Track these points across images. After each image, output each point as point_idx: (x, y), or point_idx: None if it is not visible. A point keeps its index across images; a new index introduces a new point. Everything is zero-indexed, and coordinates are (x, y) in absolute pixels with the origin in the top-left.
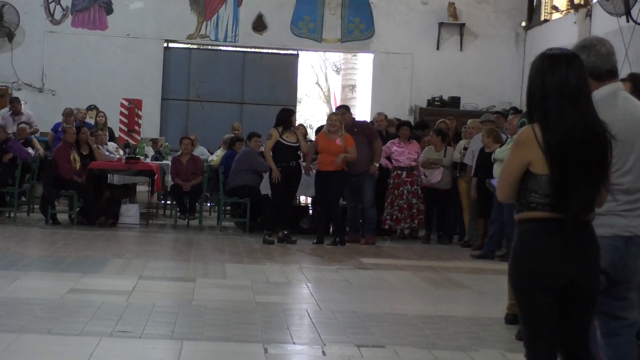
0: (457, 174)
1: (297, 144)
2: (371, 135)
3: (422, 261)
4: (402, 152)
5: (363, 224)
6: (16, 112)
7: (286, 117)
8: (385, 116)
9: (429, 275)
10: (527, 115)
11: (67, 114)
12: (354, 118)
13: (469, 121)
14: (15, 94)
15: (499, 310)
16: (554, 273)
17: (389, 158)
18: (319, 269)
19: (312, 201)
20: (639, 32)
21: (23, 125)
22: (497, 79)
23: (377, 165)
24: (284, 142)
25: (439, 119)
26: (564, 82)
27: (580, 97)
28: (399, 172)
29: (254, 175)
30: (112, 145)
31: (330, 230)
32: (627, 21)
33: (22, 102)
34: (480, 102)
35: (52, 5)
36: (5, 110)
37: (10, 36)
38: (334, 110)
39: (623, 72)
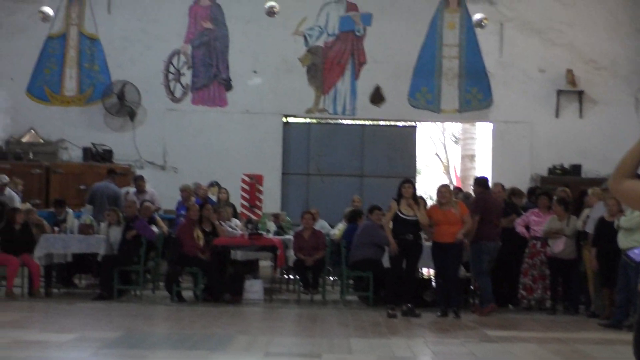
0: (582, 243)
1: (415, 217)
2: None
3: (549, 333)
4: (539, 222)
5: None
6: (140, 190)
7: (400, 189)
8: (502, 186)
9: (557, 347)
10: None
11: (184, 189)
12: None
13: (590, 190)
14: (138, 172)
15: None
16: None
17: (527, 227)
18: (445, 343)
19: (435, 273)
20: None
21: (147, 203)
22: (618, 145)
23: (463, 236)
24: (401, 215)
25: (560, 187)
26: None
27: None
28: (535, 242)
29: (376, 249)
30: (234, 221)
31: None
32: None
33: (145, 181)
34: (602, 170)
35: (172, 84)
36: (133, 189)
37: (132, 115)
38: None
39: None
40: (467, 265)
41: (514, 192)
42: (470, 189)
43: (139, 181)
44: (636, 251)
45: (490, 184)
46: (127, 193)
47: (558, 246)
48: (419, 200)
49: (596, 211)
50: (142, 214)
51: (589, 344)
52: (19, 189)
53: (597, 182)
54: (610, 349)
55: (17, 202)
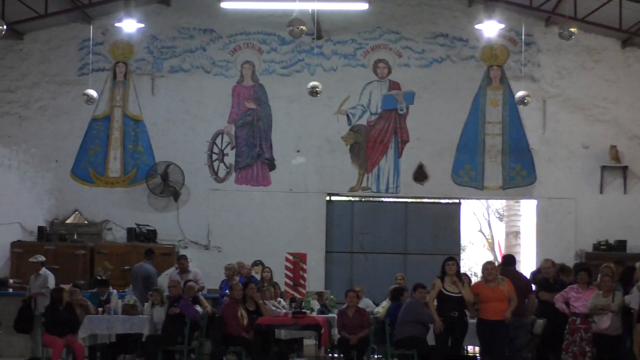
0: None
1: (460, 294)
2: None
3: None
4: (579, 298)
5: None
6: (183, 270)
7: (444, 266)
8: (553, 262)
9: None
10: None
11: (228, 268)
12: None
13: (638, 264)
14: (182, 251)
15: None
16: None
17: (567, 303)
18: None
19: (481, 351)
20: None
21: (191, 283)
22: None
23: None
24: (446, 292)
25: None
26: None
27: None
28: (575, 318)
29: (420, 326)
30: (278, 300)
31: None
32: None
33: (188, 260)
34: None
35: (216, 164)
36: (173, 269)
37: (176, 195)
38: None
39: None
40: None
41: (563, 269)
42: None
43: (181, 260)
44: None
45: (537, 260)
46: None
47: (604, 322)
48: (462, 278)
49: None
50: (186, 293)
51: None
52: (107, 274)
53: None
54: None
55: (52, 281)
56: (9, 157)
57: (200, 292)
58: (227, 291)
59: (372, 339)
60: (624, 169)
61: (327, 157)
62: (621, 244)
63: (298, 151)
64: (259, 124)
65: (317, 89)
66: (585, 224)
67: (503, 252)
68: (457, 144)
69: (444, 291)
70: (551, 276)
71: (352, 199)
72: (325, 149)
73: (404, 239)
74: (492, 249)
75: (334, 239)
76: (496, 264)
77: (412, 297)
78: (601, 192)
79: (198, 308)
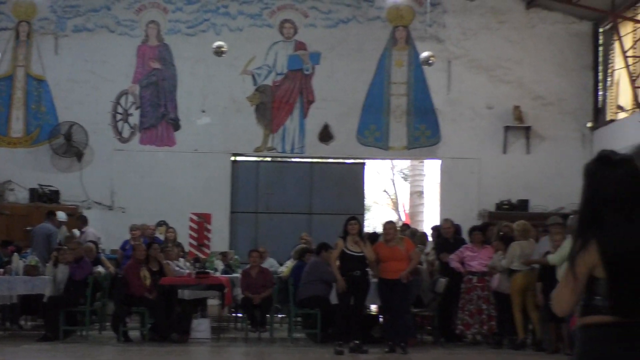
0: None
1: (362, 253)
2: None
3: None
4: (474, 257)
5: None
6: (81, 231)
7: (346, 226)
8: (452, 222)
9: None
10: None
11: (133, 229)
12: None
13: (515, 224)
14: (85, 212)
15: None
16: None
17: (462, 262)
18: None
19: (381, 310)
20: None
21: (89, 244)
22: (565, 180)
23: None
24: (348, 251)
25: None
26: (618, 189)
27: (635, 205)
28: (470, 277)
29: (324, 286)
30: (181, 261)
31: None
32: None
33: (84, 221)
34: (549, 205)
35: (120, 124)
36: (73, 231)
37: (79, 155)
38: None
39: None
40: (419, 300)
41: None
42: (418, 225)
43: (79, 222)
44: None
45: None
46: (78, 235)
47: (494, 282)
48: (365, 237)
49: (542, 246)
50: (86, 255)
51: None
52: None
53: (544, 216)
54: None
55: None
56: None
57: (102, 253)
58: (129, 252)
59: (276, 298)
60: (527, 129)
61: (233, 118)
62: (523, 204)
63: (203, 111)
64: (164, 84)
65: (222, 49)
66: (489, 184)
67: (407, 211)
68: (362, 104)
69: (346, 250)
70: (451, 236)
71: (258, 159)
72: (230, 109)
73: (309, 199)
74: (396, 208)
75: (239, 199)
76: (400, 223)
77: (316, 256)
78: (504, 152)
79: (100, 269)
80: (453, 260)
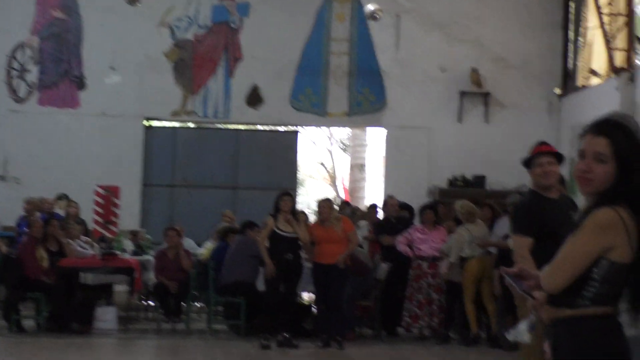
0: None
1: (295, 234)
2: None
3: None
4: (424, 240)
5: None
6: None
7: (278, 202)
8: (396, 200)
9: None
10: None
11: (28, 203)
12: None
13: (459, 203)
14: None
15: None
16: None
17: (410, 246)
18: None
19: (316, 299)
20: None
21: None
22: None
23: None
24: (279, 232)
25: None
26: None
27: None
28: (420, 262)
29: (250, 270)
30: (85, 240)
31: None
32: None
33: None
34: (509, 181)
35: (15, 81)
36: None
37: None
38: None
39: None
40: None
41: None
42: (359, 203)
43: None
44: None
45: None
46: None
47: (442, 268)
48: (299, 216)
49: (501, 227)
50: None
51: None
52: None
53: (503, 195)
54: None
55: None
56: None
57: None
58: (24, 228)
59: (193, 284)
60: (486, 95)
61: (147, 76)
62: (479, 180)
63: (113, 68)
64: (68, 37)
65: None
66: (441, 156)
67: (346, 187)
68: (297, 64)
69: (277, 230)
70: (394, 215)
71: (175, 124)
72: (144, 66)
73: (234, 171)
74: (333, 183)
75: (152, 170)
76: (337, 201)
77: (242, 236)
78: (459, 121)
79: None
80: (400, 243)
